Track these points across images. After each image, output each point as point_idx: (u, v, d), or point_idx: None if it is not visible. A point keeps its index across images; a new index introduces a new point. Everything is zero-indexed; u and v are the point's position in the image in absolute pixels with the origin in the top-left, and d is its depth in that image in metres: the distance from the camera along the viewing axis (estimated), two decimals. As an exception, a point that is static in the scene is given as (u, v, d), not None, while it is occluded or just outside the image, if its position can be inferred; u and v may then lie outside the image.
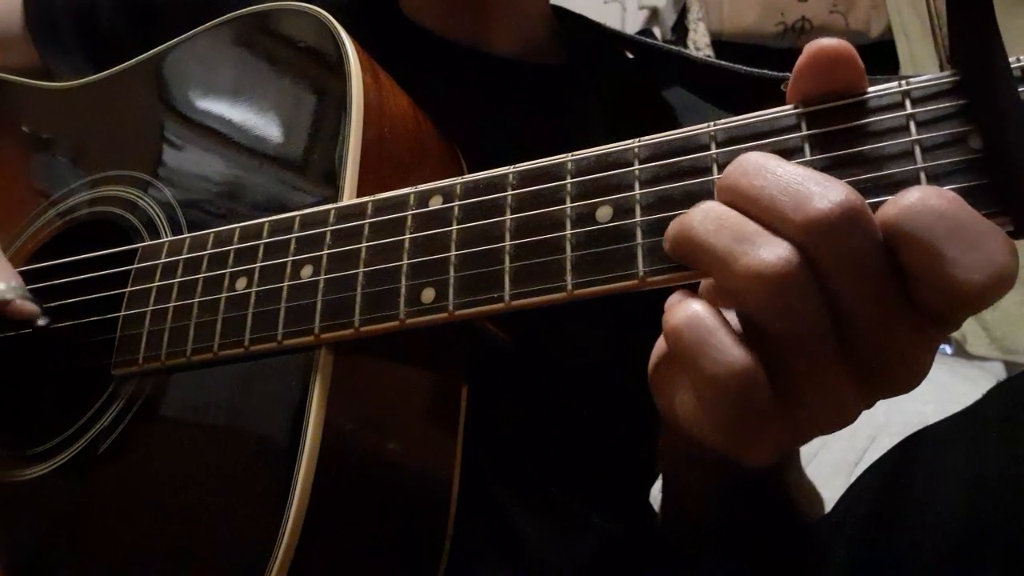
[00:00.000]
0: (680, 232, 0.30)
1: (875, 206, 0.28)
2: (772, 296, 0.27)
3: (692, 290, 0.31)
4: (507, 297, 0.35)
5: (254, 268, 0.42)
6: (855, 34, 2.02)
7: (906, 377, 0.29)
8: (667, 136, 0.34)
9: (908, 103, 0.30)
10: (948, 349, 1.91)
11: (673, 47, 0.60)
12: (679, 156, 0.33)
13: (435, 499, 0.44)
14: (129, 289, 0.47)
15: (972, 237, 0.26)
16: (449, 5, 0.60)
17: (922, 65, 1.86)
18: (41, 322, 0.51)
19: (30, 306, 0.51)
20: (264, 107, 0.49)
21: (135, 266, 0.48)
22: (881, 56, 1.95)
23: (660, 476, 0.64)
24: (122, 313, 0.47)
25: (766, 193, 0.28)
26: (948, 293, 0.27)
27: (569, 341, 0.54)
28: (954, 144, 0.29)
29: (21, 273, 0.53)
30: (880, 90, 0.31)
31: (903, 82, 0.30)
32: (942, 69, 0.30)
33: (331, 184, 0.43)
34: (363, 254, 0.40)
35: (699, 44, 2.04)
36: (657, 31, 1.99)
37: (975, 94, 0.29)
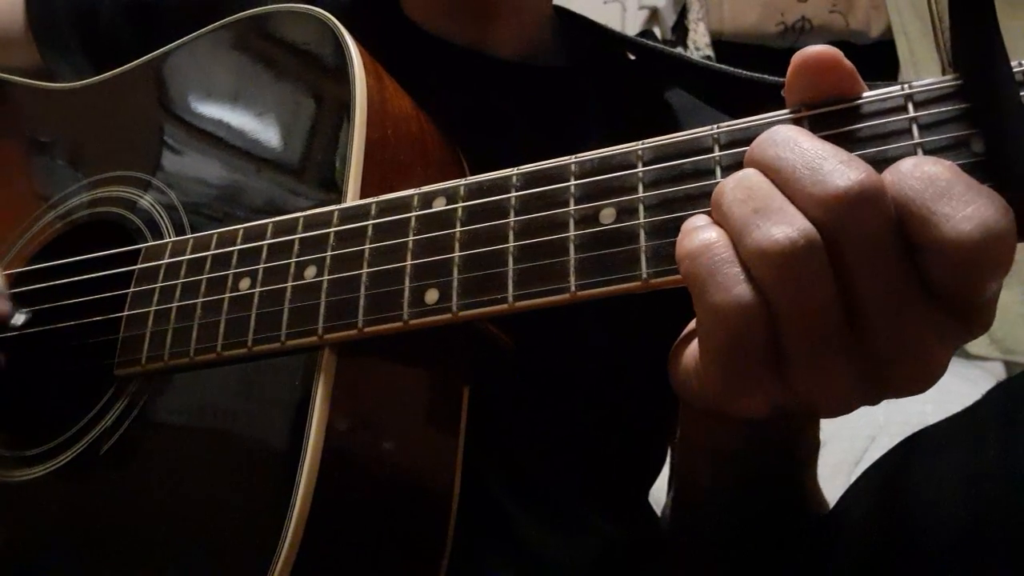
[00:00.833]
0: (714, 197, 0.31)
1: None
2: (777, 274, 0.28)
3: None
4: (511, 298, 0.35)
5: (258, 269, 0.42)
6: (855, 34, 2.01)
7: (917, 374, 0.29)
8: (671, 138, 0.34)
9: (911, 106, 0.30)
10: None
11: (674, 50, 0.60)
12: (683, 158, 0.33)
13: (436, 500, 0.44)
14: (132, 289, 0.47)
15: (964, 196, 0.26)
16: (451, 7, 0.60)
17: (922, 65, 1.85)
18: (17, 321, 0.50)
19: (2, 305, 0.49)
20: (267, 109, 0.49)
21: (138, 266, 0.48)
22: (881, 56, 1.95)
23: (659, 476, 0.64)
24: (125, 313, 0.47)
25: (788, 165, 0.29)
26: (945, 256, 0.27)
27: (571, 343, 0.54)
28: (956, 147, 0.29)
29: (21, 273, 0.52)
30: (883, 93, 0.31)
31: (905, 85, 0.30)
32: (943, 71, 0.30)
33: (334, 186, 0.43)
34: (367, 255, 0.40)
35: (699, 44, 2.04)
36: (657, 31, 1.99)
37: (977, 98, 0.29)
